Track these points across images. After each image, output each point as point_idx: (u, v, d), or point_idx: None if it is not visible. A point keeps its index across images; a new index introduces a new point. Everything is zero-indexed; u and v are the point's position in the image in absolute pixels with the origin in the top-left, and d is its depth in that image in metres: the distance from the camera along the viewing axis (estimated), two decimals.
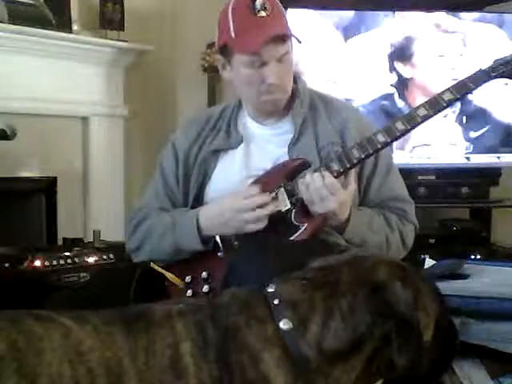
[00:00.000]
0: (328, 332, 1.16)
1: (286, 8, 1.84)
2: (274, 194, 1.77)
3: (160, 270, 1.83)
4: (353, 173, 1.74)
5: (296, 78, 1.89)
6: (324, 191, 1.67)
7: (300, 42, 1.78)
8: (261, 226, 1.71)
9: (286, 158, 1.84)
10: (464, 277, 1.73)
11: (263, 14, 1.75)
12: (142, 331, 1.14)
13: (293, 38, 1.79)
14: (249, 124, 1.93)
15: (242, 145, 1.90)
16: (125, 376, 1.09)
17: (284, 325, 1.16)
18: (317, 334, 1.16)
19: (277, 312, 1.17)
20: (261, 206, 1.71)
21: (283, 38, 1.77)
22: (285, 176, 1.79)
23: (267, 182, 1.81)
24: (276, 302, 1.19)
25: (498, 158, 3.54)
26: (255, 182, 1.83)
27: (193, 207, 1.89)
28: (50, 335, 1.09)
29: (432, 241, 3.40)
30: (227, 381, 1.11)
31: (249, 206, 1.71)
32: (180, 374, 1.11)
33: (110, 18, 3.73)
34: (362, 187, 1.86)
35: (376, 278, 1.19)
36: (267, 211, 1.71)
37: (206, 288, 1.76)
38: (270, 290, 1.22)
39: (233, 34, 1.77)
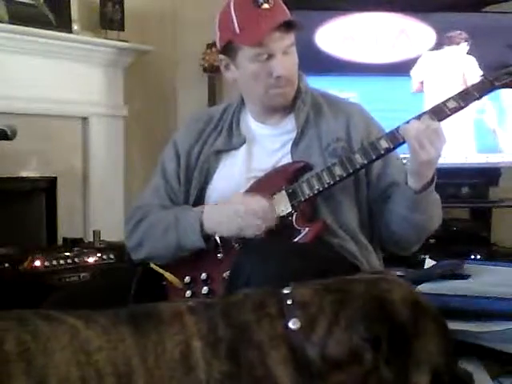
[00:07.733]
0: (331, 337, 1.15)
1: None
2: (274, 197, 1.76)
3: (159, 270, 1.82)
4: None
5: (298, 77, 1.88)
6: (432, 133, 1.65)
7: (302, 29, 1.78)
8: (260, 235, 1.70)
9: (289, 157, 1.84)
10: (464, 277, 1.73)
11: (266, 6, 1.74)
12: (151, 329, 1.14)
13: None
14: (251, 124, 1.92)
15: (244, 145, 1.89)
16: (134, 375, 1.09)
17: (293, 324, 1.16)
18: (321, 338, 1.16)
19: (288, 311, 1.18)
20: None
21: (288, 26, 1.76)
22: (286, 179, 1.79)
23: (268, 184, 1.80)
24: (289, 302, 1.20)
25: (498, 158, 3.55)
26: (256, 184, 1.82)
27: (194, 206, 1.88)
28: (58, 335, 1.09)
29: (432, 241, 3.39)
30: (236, 377, 1.12)
31: (261, 213, 1.69)
32: (190, 370, 1.11)
33: (110, 18, 3.72)
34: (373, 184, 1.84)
35: (388, 297, 1.19)
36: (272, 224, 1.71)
37: (205, 289, 1.75)
38: (285, 291, 1.23)
39: (237, 30, 1.76)
